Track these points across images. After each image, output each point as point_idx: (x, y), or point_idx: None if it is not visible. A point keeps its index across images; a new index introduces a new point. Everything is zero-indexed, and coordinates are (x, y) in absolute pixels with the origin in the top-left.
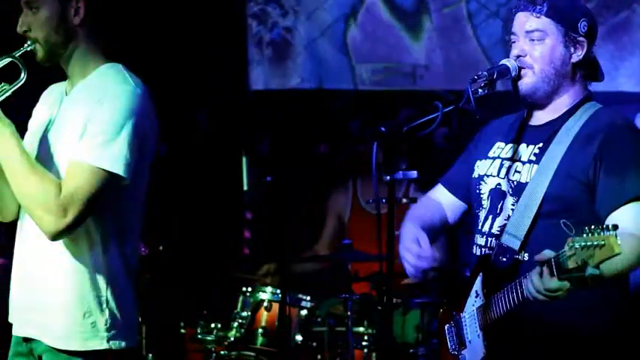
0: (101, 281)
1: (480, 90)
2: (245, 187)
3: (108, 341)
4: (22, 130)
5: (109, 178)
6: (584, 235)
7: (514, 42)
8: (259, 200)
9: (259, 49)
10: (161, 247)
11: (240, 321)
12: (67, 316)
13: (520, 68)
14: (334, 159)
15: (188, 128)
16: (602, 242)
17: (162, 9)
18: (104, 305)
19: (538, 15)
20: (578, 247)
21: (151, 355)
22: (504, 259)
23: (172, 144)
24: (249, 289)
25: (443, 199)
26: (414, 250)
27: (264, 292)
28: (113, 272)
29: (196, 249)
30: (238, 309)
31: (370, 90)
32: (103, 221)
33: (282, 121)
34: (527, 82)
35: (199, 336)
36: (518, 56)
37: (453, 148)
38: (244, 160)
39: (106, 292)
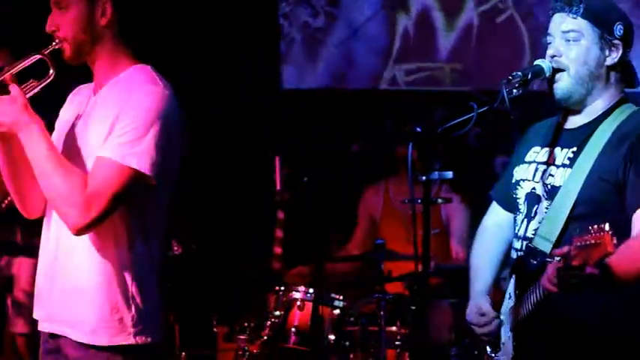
0: (127, 277)
1: (514, 90)
2: (278, 187)
3: (134, 336)
4: (49, 129)
5: (135, 176)
6: (587, 235)
7: (550, 42)
8: (291, 200)
9: (291, 48)
10: (194, 246)
11: (273, 320)
12: (94, 312)
13: (555, 71)
14: (366, 159)
15: (220, 128)
16: (599, 241)
17: (194, 9)
18: (130, 301)
19: (574, 16)
20: (580, 245)
21: (184, 353)
22: (535, 262)
23: (204, 144)
24: (282, 288)
25: (502, 221)
26: (480, 322)
27: (297, 291)
28: (139, 269)
29: (229, 248)
30: (271, 308)
31: (403, 90)
32: (129, 218)
33: (314, 121)
34: (562, 85)
35: (232, 335)
36: (554, 56)
37: (485, 147)
38: (277, 159)
39: (132, 288)
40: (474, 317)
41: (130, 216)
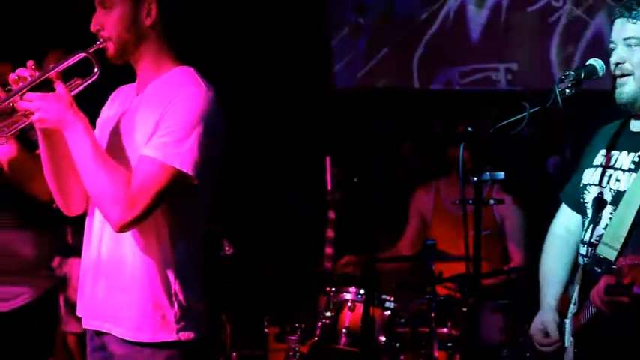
0: (170, 274)
1: (567, 90)
2: (329, 187)
3: (177, 332)
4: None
5: (178, 175)
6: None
7: (613, 49)
8: (343, 200)
9: (344, 48)
10: (244, 246)
11: (323, 321)
12: (138, 308)
13: (615, 77)
14: (417, 159)
15: (274, 128)
16: None
17: (245, 9)
18: (173, 297)
19: (634, 21)
20: (633, 264)
21: (235, 353)
22: (599, 270)
23: (256, 144)
24: (333, 289)
25: (572, 225)
26: (542, 342)
27: (348, 292)
28: (181, 265)
29: (280, 248)
30: (322, 309)
31: (456, 90)
32: (171, 217)
33: (365, 121)
34: (628, 90)
35: (283, 335)
36: (617, 63)
37: (538, 149)
38: (328, 159)
39: (174, 285)
40: (537, 334)
41: (172, 214)
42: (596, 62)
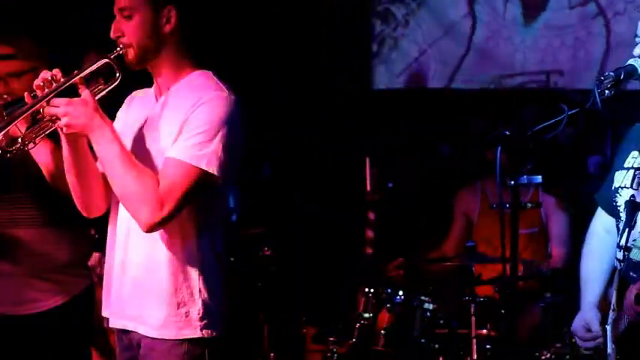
0: (194, 272)
1: (606, 91)
2: (368, 187)
3: (201, 330)
4: None
5: (204, 176)
6: None
7: (638, 42)
8: (382, 201)
9: (382, 48)
10: (284, 249)
11: (362, 322)
12: (163, 306)
13: None
14: (459, 160)
15: (312, 129)
16: None
17: (285, 9)
18: (197, 296)
19: None
20: None
21: (272, 354)
22: (635, 275)
23: (295, 144)
24: (372, 290)
25: (610, 226)
26: (585, 337)
27: (387, 293)
28: (205, 264)
29: (319, 249)
30: (360, 310)
31: (493, 89)
32: (196, 216)
33: (404, 121)
34: None
35: (321, 336)
36: None
37: (579, 148)
38: (367, 160)
39: (198, 283)
40: (579, 330)
41: (196, 214)
42: (636, 62)
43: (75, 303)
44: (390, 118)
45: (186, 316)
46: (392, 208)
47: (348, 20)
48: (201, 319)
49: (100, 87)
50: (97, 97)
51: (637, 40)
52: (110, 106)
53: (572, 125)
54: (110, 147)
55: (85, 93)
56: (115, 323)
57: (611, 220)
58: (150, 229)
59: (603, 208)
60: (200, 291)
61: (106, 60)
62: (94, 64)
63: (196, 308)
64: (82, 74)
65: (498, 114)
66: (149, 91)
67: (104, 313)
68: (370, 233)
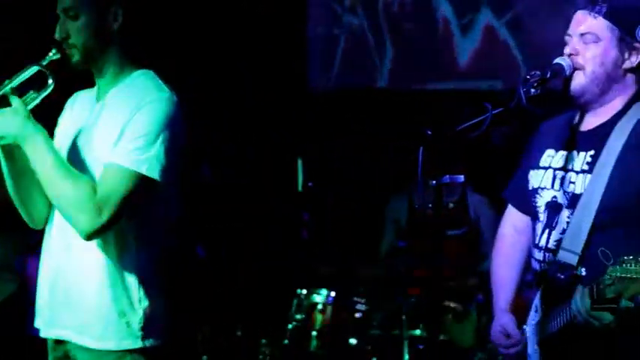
0: (134, 281)
1: (532, 90)
2: (299, 189)
3: (142, 340)
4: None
5: (145, 181)
6: (623, 265)
7: (568, 40)
8: (314, 202)
9: (318, 48)
10: (219, 250)
11: (294, 323)
12: (102, 316)
13: (573, 68)
14: (391, 161)
15: (247, 129)
16: (636, 276)
17: (220, 9)
18: (137, 305)
19: (596, 15)
20: (615, 277)
21: (205, 356)
22: (562, 276)
23: (229, 144)
24: (304, 292)
25: (519, 225)
26: (506, 344)
27: (319, 294)
28: (145, 272)
29: (252, 250)
30: (293, 311)
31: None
32: (135, 222)
33: (337, 122)
34: (577, 83)
35: (255, 338)
36: (570, 55)
37: (511, 146)
38: (298, 161)
39: (138, 292)
40: (499, 338)
41: (136, 220)
42: (564, 61)
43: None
44: (325, 118)
45: (127, 326)
46: (325, 209)
47: (283, 21)
48: (142, 328)
49: (32, 95)
50: (31, 105)
51: (566, 39)
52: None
53: (506, 124)
54: (43, 156)
55: (15, 102)
56: (47, 333)
57: (523, 219)
58: (89, 237)
59: (516, 207)
60: (140, 300)
61: (37, 67)
62: (26, 71)
63: (137, 318)
64: (12, 84)
65: (430, 114)
66: (91, 92)
67: (36, 323)
68: (305, 234)
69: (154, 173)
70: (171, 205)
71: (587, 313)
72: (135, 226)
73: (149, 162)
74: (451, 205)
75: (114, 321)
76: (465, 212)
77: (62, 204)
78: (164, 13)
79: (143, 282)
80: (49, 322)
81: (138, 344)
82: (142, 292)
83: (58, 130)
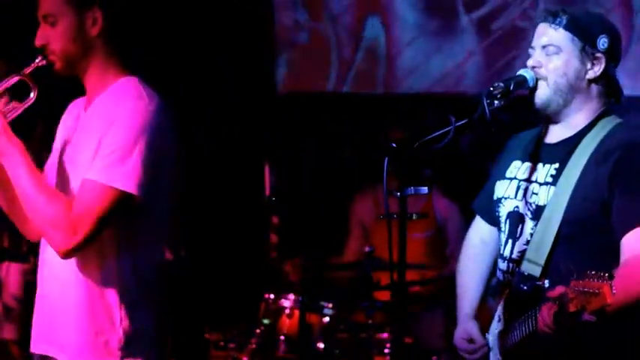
0: (114, 300)
1: (495, 101)
2: (267, 192)
3: (122, 359)
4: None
5: (122, 197)
6: (586, 280)
7: (531, 52)
8: (281, 206)
9: (287, 51)
10: (184, 252)
11: (262, 328)
12: (80, 334)
13: (536, 80)
14: (357, 166)
15: (213, 132)
16: (597, 291)
17: (188, 11)
18: (117, 323)
19: (556, 27)
20: (578, 291)
21: None
22: (525, 287)
23: (195, 148)
24: (272, 296)
25: (486, 237)
26: (468, 349)
27: (286, 299)
28: (126, 289)
29: (220, 254)
30: (260, 316)
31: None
32: (115, 238)
33: (306, 126)
34: (540, 94)
35: (222, 342)
36: (533, 67)
37: (478, 155)
38: (266, 165)
39: (119, 311)
40: (462, 343)
41: (117, 236)
42: (527, 72)
43: None
44: (293, 122)
45: (105, 345)
46: (293, 212)
47: (251, 24)
48: (122, 348)
49: (14, 106)
50: (12, 117)
51: (530, 51)
52: None
53: (473, 133)
54: (19, 170)
55: None
56: (36, 348)
57: (489, 230)
58: (65, 256)
59: (481, 216)
60: (121, 319)
61: (18, 77)
62: (7, 81)
63: (116, 337)
64: None
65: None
66: (82, 101)
67: (32, 339)
68: (274, 238)
69: (131, 187)
70: (159, 217)
71: (549, 327)
72: (117, 240)
73: (125, 176)
74: (415, 216)
75: (91, 339)
76: (431, 217)
77: (37, 221)
78: (146, 14)
79: (126, 300)
80: (36, 338)
81: None
82: (124, 311)
83: (54, 144)
